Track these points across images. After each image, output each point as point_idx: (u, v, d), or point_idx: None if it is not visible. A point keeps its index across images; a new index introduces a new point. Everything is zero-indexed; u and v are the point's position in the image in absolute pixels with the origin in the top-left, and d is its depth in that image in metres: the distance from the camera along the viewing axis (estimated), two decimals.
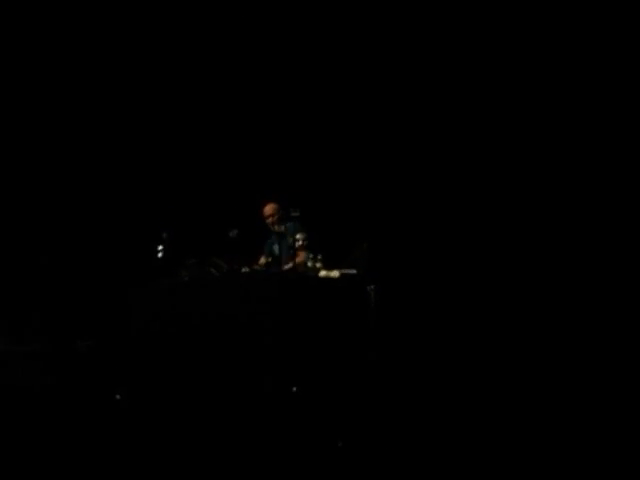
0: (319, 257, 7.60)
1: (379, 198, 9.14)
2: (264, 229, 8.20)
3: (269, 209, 8.18)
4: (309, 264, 7.56)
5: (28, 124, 9.17)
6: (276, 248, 8.15)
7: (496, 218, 8.70)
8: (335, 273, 7.65)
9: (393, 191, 9.16)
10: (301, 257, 7.70)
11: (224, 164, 9.51)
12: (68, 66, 9.17)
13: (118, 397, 7.48)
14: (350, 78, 9.25)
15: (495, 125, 8.65)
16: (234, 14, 9.17)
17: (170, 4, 8.89)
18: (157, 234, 7.92)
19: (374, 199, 9.14)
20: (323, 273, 7.64)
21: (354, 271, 7.74)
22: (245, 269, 7.75)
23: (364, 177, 9.16)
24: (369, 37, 9.03)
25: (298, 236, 7.75)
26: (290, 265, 7.78)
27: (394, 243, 8.97)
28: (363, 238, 8.35)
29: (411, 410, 6.90)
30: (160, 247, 7.84)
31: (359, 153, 9.15)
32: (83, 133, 9.30)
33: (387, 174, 9.17)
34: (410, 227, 9.03)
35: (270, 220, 8.16)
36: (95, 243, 9.10)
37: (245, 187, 9.35)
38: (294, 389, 6.94)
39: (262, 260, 8.03)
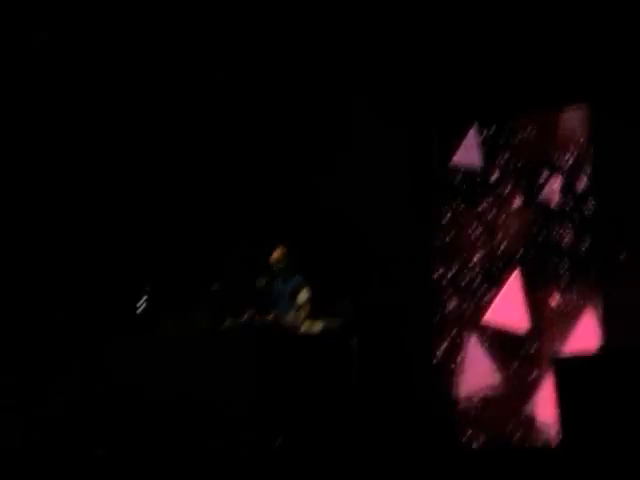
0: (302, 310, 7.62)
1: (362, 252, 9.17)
2: (248, 282, 8.16)
3: (277, 255, 8.10)
4: (292, 317, 7.57)
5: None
6: (277, 293, 8.07)
7: None
8: (318, 326, 7.66)
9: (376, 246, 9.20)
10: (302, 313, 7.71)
11: (207, 215, 9.50)
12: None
13: (98, 452, 7.39)
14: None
15: None
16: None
17: (169, 9, 8.89)
18: (139, 287, 7.88)
19: (357, 253, 9.17)
20: (306, 326, 7.65)
21: (337, 325, 7.76)
22: (227, 323, 7.72)
23: (347, 232, 9.19)
24: None
25: (304, 297, 7.77)
26: (289, 317, 7.76)
27: (377, 296, 8.99)
28: (347, 291, 8.40)
29: (398, 464, 6.88)
30: (142, 300, 7.79)
31: (341, 210, 9.17)
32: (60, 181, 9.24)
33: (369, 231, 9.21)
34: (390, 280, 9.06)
35: (276, 267, 8.09)
36: (75, 294, 9.03)
37: (227, 238, 9.33)
38: (276, 444, 6.92)
39: (246, 314, 7.91)
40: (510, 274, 8.98)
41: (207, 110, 9.50)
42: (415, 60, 9.07)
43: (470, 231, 9.22)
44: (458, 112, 9.13)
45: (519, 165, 9.05)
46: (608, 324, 8.31)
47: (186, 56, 9.19)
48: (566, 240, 8.77)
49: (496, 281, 9.06)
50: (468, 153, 9.32)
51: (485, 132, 9.21)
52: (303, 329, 7.67)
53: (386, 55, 9.04)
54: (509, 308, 8.99)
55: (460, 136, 9.33)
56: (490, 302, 9.06)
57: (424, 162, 9.40)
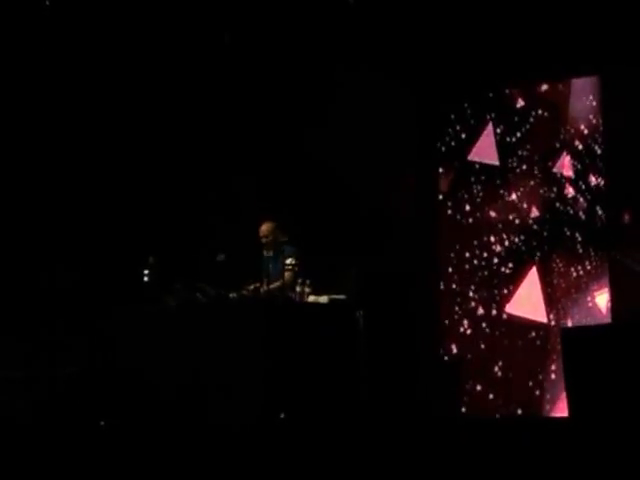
0: (308, 282, 7.57)
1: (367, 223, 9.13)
2: (253, 253, 8.13)
3: (265, 229, 8.09)
4: (298, 289, 7.54)
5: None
6: (270, 267, 8.04)
7: None
8: (324, 298, 7.64)
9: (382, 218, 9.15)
10: (288, 278, 7.70)
11: (212, 187, 9.47)
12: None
13: (102, 424, 7.40)
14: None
15: None
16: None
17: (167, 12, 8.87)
18: (143, 258, 7.85)
19: (362, 224, 9.12)
20: (312, 298, 7.62)
21: (343, 296, 7.74)
22: (233, 294, 7.71)
23: (351, 204, 9.12)
24: None
25: (288, 261, 7.75)
26: (277, 284, 7.78)
27: (382, 269, 8.95)
28: (352, 264, 8.36)
29: (403, 434, 6.86)
30: (146, 271, 7.77)
31: (347, 181, 9.09)
32: (65, 153, 9.25)
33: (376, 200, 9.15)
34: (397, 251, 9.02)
35: (264, 240, 8.07)
36: (80, 266, 9.03)
37: (234, 210, 9.30)
38: (282, 415, 6.91)
39: (251, 285, 7.90)
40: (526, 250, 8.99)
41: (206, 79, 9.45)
42: (427, 28, 9.00)
43: (484, 208, 9.22)
44: (468, 80, 9.09)
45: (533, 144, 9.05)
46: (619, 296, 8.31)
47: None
48: (581, 214, 8.76)
49: (509, 257, 9.07)
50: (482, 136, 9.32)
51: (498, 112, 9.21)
52: (310, 300, 7.65)
53: (395, 19, 8.96)
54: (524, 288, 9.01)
55: (476, 111, 9.31)
56: (505, 278, 9.07)
57: (432, 131, 9.36)
